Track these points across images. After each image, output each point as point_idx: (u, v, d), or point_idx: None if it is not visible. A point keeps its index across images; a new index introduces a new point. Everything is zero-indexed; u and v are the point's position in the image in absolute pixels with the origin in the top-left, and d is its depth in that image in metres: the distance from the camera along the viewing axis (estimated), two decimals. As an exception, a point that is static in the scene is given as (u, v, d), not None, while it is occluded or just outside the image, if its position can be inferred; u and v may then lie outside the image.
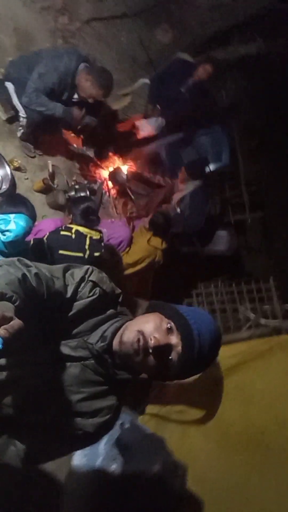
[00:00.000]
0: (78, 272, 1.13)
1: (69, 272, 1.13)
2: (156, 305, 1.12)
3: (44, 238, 2.40)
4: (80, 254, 2.39)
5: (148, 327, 1.02)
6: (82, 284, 1.11)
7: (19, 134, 3.05)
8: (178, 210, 3.73)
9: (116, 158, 3.94)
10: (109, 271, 3.15)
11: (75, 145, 3.05)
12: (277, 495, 2.55)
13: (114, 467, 2.34)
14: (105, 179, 3.80)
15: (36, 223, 2.92)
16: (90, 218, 2.51)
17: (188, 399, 3.12)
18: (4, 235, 1.89)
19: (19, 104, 2.81)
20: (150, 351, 1.00)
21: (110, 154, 3.90)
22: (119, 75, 4.34)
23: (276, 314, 3.79)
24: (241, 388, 3.03)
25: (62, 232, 2.42)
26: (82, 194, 3.45)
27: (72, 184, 3.44)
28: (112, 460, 2.35)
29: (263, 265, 4.64)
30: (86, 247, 2.41)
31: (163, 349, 1.00)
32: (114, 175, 3.81)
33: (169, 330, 1.03)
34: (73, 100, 3.00)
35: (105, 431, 1.12)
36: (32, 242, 2.30)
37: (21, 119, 2.91)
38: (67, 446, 1.16)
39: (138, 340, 1.00)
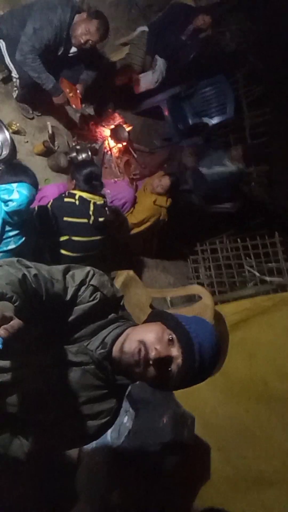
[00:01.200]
0: (78, 275, 1.11)
1: (70, 273, 1.12)
2: (159, 315, 1.12)
3: (48, 205, 2.40)
4: (85, 220, 2.40)
5: (150, 337, 1.02)
6: (83, 288, 1.09)
7: (14, 95, 2.95)
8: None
9: (116, 114, 3.81)
10: (115, 232, 3.19)
11: (74, 106, 2.95)
12: (278, 441, 2.73)
13: (126, 419, 2.48)
14: (106, 137, 3.71)
15: (40, 187, 2.93)
16: (93, 183, 2.49)
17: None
18: (7, 205, 1.89)
19: (11, 63, 2.69)
20: (151, 362, 1.00)
21: (110, 110, 3.78)
22: (116, 22, 4.10)
23: (281, 271, 3.84)
24: (245, 342, 3.14)
25: (65, 199, 2.42)
26: (84, 155, 3.40)
27: (73, 145, 3.37)
28: (124, 412, 2.49)
29: (268, 220, 4.60)
30: (91, 212, 2.41)
31: (164, 361, 1.00)
32: (116, 133, 3.72)
33: (170, 342, 1.02)
34: (70, 54, 2.87)
35: (105, 431, 1.15)
36: (36, 209, 2.31)
37: (14, 79, 2.80)
38: (69, 444, 1.20)
39: (139, 350, 1.00)
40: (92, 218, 2.40)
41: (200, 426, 2.94)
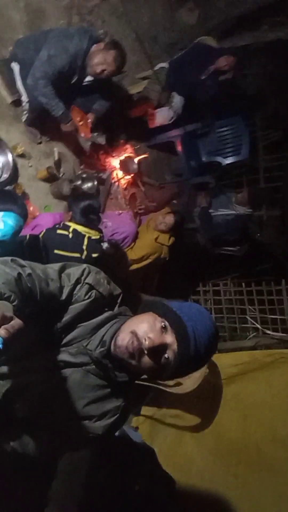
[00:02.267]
0: (74, 273, 1.10)
1: (65, 272, 1.10)
2: (149, 304, 1.09)
3: (40, 236, 2.27)
4: (77, 255, 2.26)
5: (141, 327, 1.00)
6: (78, 287, 1.08)
7: (23, 118, 2.89)
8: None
9: (128, 146, 3.75)
10: (113, 267, 3.04)
11: (82, 135, 2.88)
12: (266, 510, 2.47)
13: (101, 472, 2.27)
14: (115, 167, 3.63)
15: (36, 215, 2.82)
16: (91, 217, 2.36)
17: (186, 405, 3.02)
18: (-9, 233, 1.77)
19: (22, 87, 2.64)
20: (145, 352, 0.98)
21: (122, 141, 3.71)
22: (138, 56, 4.11)
23: (286, 325, 3.64)
24: (240, 398, 2.92)
25: (58, 231, 2.29)
26: (89, 184, 3.31)
27: (79, 173, 3.28)
28: (99, 464, 2.28)
29: (276, 267, 4.44)
30: (84, 247, 2.27)
31: (158, 349, 0.99)
32: (125, 164, 3.64)
33: (164, 329, 1.00)
34: (85, 83, 2.81)
35: (115, 431, 1.13)
36: (27, 238, 2.17)
37: (23, 103, 2.74)
38: (78, 445, 1.21)
39: (132, 341, 0.99)
40: (85, 253, 2.26)
41: (182, 488, 2.70)
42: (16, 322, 0.85)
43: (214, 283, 4.34)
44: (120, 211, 3.48)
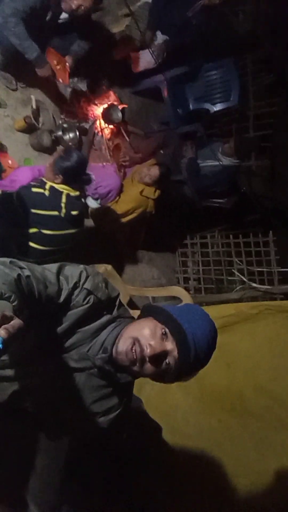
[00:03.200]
0: (72, 276, 1.09)
1: (63, 274, 1.10)
2: (150, 309, 1.12)
3: (14, 194, 2.16)
4: (55, 213, 2.17)
5: (142, 334, 1.03)
6: (76, 291, 1.08)
7: (-4, 62, 2.68)
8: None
9: (111, 93, 3.53)
10: (98, 223, 2.97)
11: (60, 80, 2.68)
12: (248, 459, 2.61)
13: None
14: (98, 116, 3.44)
15: (16, 166, 2.69)
16: (84, 178, 2.24)
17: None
18: None
19: (-8, 27, 2.42)
20: (147, 359, 1.01)
21: (105, 87, 3.49)
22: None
23: (273, 276, 3.66)
24: (225, 350, 2.98)
25: (33, 189, 2.16)
26: (71, 134, 3.15)
27: (60, 123, 3.11)
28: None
29: (264, 218, 4.39)
30: (62, 205, 2.18)
31: (159, 356, 1.02)
32: (109, 112, 3.45)
33: (164, 336, 1.03)
34: (60, 21, 2.59)
35: (120, 423, 1.19)
36: (0, 195, 2.07)
37: (-6, 43, 2.53)
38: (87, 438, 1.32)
39: (134, 349, 1.01)
40: (63, 210, 2.17)
41: (168, 433, 2.83)
42: (17, 322, 0.86)
43: (202, 235, 4.30)
44: (104, 163, 3.35)
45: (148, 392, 3.08)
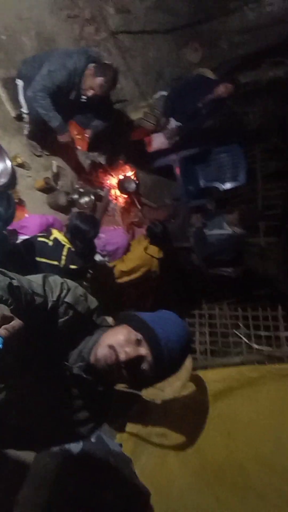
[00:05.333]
0: (55, 288, 1.13)
1: (48, 285, 1.13)
2: (125, 317, 1.16)
3: (20, 244, 2.34)
4: (55, 263, 2.32)
5: (118, 341, 1.07)
6: (58, 304, 1.12)
7: (25, 131, 3.06)
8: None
9: (126, 166, 3.89)
10: (105, 279, 3.05)
11: (79, 147, 3.02)
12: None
13: (72, 481, 2.18)
14: (113, 186, 3.75)
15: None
16: (77, 243, 2.41)
17: (170, 423, 2.93)
18: None
19: (24, 100, 2.83)
20: (123, 365, 1.05)
21: (121, 162, 3.86)
22: (143, 87, 4.37)
23: (281, 344, 3.56)
24: (225, 417, 2.81)
25: (39, 238, 2.35)
26: (86, 198, 3.43)
27: (76, 187, 3.40)
28: (71, 471, 2.19)
29: (273, 293, 4.39)
30: (63, 257, 2.33)
31: (134, 361, 1.05)
32: (123, 184, 3.76)
33: (138, 342, 1.07)
34: (82, 100, 2.99)
35: (97, 430, 1.22)
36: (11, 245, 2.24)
37: (23, 115, 2.92)
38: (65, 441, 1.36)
39: (110, 355, 1.05)
40: (63, 262, 2.32)
41: (164, 505, 2.57)
42: (17, 322, 0.88)
43: (210, 307, 4.30)
44: (115, 227, 3.56)
45: (144, 462, 2.88)
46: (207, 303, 4.34)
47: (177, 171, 4.12)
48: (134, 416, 3.13)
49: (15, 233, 2.53)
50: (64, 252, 2.35)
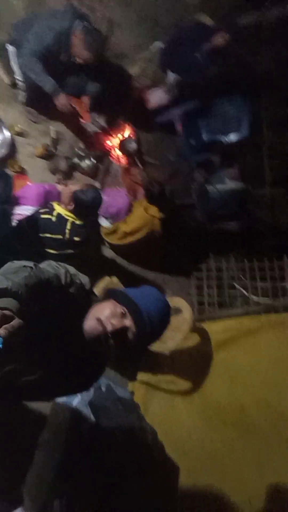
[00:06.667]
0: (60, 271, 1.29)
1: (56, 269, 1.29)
2: (110, 293, 1.30)
3: (24, 222, 2.43)
4: (60, 237, 2.42)
5: (104, 314, 1.20)
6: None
7: (21, 98, 3.07)
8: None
9: (127, 126, 3.86)
10: (110, 241, 3.14)
11: (82, 120, 3.01)
12: (247, 474, 2.56)
13: (85, 425, 2.43)
14: (114, 147, 3.76)
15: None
16: (83, 213, 2.48)
17: (178, 371, 3.14)
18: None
19: (17, 66, 2.82)
20: (110, 335, 1.18)
21: (121, 122, 3.83)
22: (138, 38, 4.20)
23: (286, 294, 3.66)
24: (227, 365, 3.01)
25: (43, 216, 2.43)
26: (87, 161, 3.46)
27: (76, 151, 3.43)
28: (84, 418, 2.44)
29: (279, 243, 4.42)
30: (67, 231, 2.43)
31: (120, 332, 1.18)
32: (124, 144, 3.76)
33: (123, 314, 1.20)
34: (73, 61, 2.94)
35: (95, 381, 1.42)
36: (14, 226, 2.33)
37: (17, 81, 2.92)
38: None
39: (97, 327, 1.18)
40: (67, 236, 2.42)
41: (172, 448, 2.83)
42: (17, 322, 0.92)
43: (217, 260, 4.38)
44: (118, 188, 3.61)
45: (154, 409, 3.12)
46: (214, 256, 4.43)
47: (179, 126, 4.06)
48: (144, 366, 3.36)
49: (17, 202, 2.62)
50: (68, 226, 2.46)
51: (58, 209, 2.47)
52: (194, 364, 3.12)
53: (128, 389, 3.32)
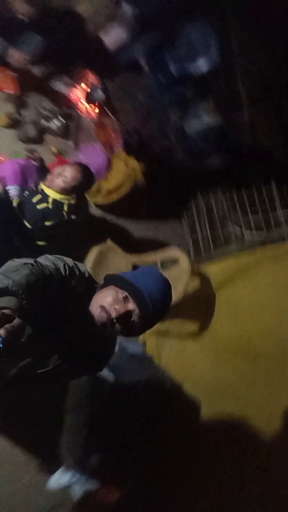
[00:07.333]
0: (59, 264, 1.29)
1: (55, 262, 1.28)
2: (111, 278, 1.33)
3: (15, 205, 2.36)
4: (58, 220, 2.40)
5: (107, 301, 1.23)
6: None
7: None
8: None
9: (90, 74, 3.62)
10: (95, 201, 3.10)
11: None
12: (262, 397, 2.76)
13: (106, 385, 2.58)
14: (80, 99, 3.55)
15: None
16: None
17: (185, 314, 3.25)
18: None
19: None
20: (115, 321, 1.21)
21: (82, 70, 3.58)
22: None
23: (280, 221, 3.68)
24: (231, 302, 3.13)
25: (39, 206, 2.35)
26: (56, 121, 3.30)
27: (42, 112, 3.25)
28: (104, 379, 2.58)
29: (264, 170, 4.34)
30: (64, 213, 2.39)
31: (125, 316, 1.22)
32: (91, 94, 3.55)
33: (125, 299, 1.23)
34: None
35: (107, 361, 1.48)
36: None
37: None
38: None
39: (103, 314, 1.21)
40: (65, 217, 2.39)
41: (190, 386, 3.03)
42: (17, 321, 0.92)
43: (205, 196, 4.34)
44: (93, 143, 3.48)
45: (167, 354, 3.27)
46: (201, 194, 4.38)
47: (144, 63, 3.81)
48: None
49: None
50: (65, 209, 2.41)
51: (51, 194, 2.39)
52: (199, 306, 3.23)
53: (140, 339, 3.47)
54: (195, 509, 2.59)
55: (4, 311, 0.91)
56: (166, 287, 1.32)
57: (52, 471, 2.41)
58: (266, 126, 4.87)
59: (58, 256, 1.33)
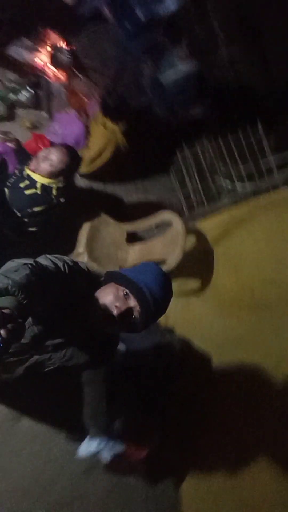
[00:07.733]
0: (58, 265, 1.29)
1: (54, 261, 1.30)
2: (111, 276, 1.34)
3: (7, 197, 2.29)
4: (47, 205, 2.36)
5: (108, 299, 1.25)
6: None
7: None
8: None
9: (49, 32, 3.36)
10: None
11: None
12: (269, 344, 2.85)
13: (118, 355, 2.66)
14: (46, 64, 3.34)
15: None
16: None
17: (186, 273, 3.28)
18: None
19: None
20: (117, 318, 1.23)
21: (43, 31, 3.33)
22: None
23: (272, 167, 3.60)
24: (229, 255, 3.14)
25: (26, 192, 2.29)
26: (25, 93, 3.13)
27: (7, 85, 3.07)
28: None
29: (249, 111, 4.16)
30: (53, 197, 2.34)
31: (126, 313, 1.24)
32: (56, 56, 3.33)
33: (126, 296, 1.26)
34: None
35: (113, 353, 1.55)
36: None
37: None
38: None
39: (104, 312, 1.24)
40: (54, 201, 2.36)
41: (199, 341, 3.12)
42: (17, 321, 0.93)
43: (191, 146, 4.21)
44: (67, 110, 3.31)
45: (173, 314, 3.34)
46: (186, 145, 4.24)
47: (107, 11, 3.53)
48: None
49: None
50: (54, 193, 2.37)
51: (39, 179, 2.32)
52: (199, 263, 3.25)
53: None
54: (218, 453, 2.77)
55: (4, 311, 0.92)
56: (166, 281, 1.33)
57: (79, 441, 2.55)
58: (245, 60, 4.62)
59: (58, 255, 1.33)
